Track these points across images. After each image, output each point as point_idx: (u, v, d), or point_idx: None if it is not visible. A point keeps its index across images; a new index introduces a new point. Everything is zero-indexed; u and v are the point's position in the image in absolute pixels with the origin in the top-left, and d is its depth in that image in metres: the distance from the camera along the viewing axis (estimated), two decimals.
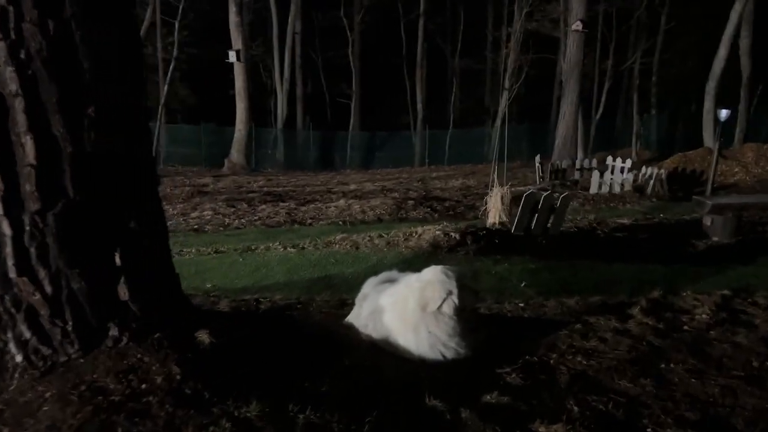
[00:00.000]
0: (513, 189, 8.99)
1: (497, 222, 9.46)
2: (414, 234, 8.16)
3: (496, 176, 10.01)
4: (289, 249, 7.93)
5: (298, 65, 36.35)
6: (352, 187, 17.54)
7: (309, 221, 11.40)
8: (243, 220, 11.28)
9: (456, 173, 22.86)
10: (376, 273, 7.13)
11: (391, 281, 5.03)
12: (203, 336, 3.76)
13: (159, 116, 25.61)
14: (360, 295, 5.12)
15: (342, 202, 13.47)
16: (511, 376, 4.12)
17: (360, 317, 4.82)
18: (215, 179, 19.08)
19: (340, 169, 31.53)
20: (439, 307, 4.30)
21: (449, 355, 4.38)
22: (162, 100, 25.04)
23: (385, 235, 8.19)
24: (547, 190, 16.16)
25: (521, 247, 7.95)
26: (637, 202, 14.13)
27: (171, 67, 23.60)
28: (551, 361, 4.32)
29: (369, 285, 5.13)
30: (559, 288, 6.59)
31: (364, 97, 38.59)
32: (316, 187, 17.41)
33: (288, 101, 34.75)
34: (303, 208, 12.69)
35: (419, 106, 37.16)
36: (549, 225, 8.21)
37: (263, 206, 12.79)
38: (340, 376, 3.76)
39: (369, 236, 8.17)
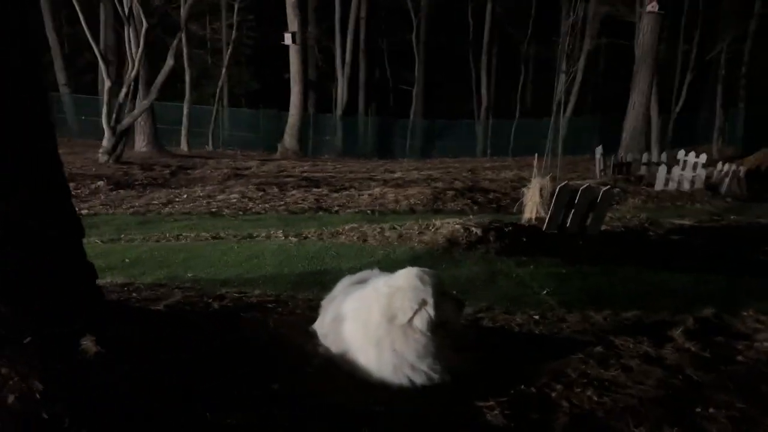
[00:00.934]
0: (570, 183, 7.85)
1: (534, 217, 8.41)
2: (430, 227, 7.26)
3: (536, 167, 8.90)
4: (290, 238, 7.21)
5: (362, 50, 35.65)
6: (397, 175, 16.71)
7: (336, 209, 10.67)
8: (266, 205, 10.68)
9: (513, 165, 21.61)
10: (380, 270, 6.37)
11: (368, 282, 4.17)
12: (88, 344, 3.05)
13: (217, 98, 25.60)
14: (328, 298, 4.34)
15: (377, 190, 12.67)
16: (493, 412, 3.32)
17: (323, 325, 4.05)
18: (261, 163, 18.70)
19: (398, 158, 30.71)
20: (410, 321, 3.43)
21: (418, 380, 3.55)
22: (220, 83, 24.96)
23: (399, 227, 7.33)
24: (607, 185, 14.82)
25: (552, 248, 6.90)
26: (708, 202, 12.60)
27: (229, 50, 23.42)
28: (553, 395, 3.48)
29: (341, 285, 4.37)
30: (587, 298, 5.61)
31: (428, 84, 37.55)
32: (359, 174, 16.69)
33: (349, 87, 34.13)
34: (334, 195, 11.98)
35: (484, 94, 35.77)
36: (588, 223, 7.10)
37: (294, 192, 12.17)
38: (256, 405, 2.98)
39: (380, 228, 7.33)
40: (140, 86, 17.27)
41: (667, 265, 6.83)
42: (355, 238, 7.08)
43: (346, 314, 3.82)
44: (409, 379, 3.55)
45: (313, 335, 3.96)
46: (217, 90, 26.25)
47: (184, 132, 24.88)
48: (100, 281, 5.60)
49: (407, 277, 3.68)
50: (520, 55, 37.61)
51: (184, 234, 7.67)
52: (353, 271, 6.09)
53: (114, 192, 11.79)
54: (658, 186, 13.87)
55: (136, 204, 10.48)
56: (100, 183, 12.30)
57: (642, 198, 12.66)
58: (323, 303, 4.18)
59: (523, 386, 3.65)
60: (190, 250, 6.87)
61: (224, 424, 2.72)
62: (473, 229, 6.99)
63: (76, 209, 9.89)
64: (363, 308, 3.75)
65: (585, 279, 6.22)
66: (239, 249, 6.84)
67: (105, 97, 15.69)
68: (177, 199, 11.13)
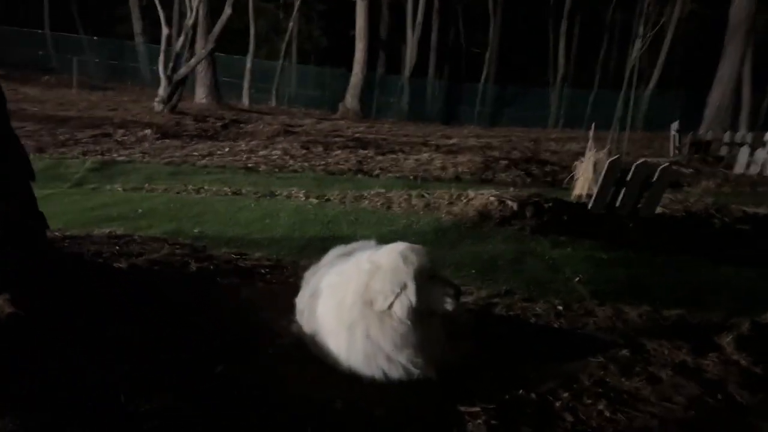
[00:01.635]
0: (646, 161, 6.89)
1: (584, 194, 7.61)
2: (462, 197, 6.63)
3: (593, 139, 8.03)
4: (311, 199, 6.76)
5: (435, 9, 34.40)
6: (453, 141, 15.96)
7: (377, 172, 10.15)
8: (306, 164, 10.28)
9: (582, 138, 20.33)
10: (398, 240, 5.85)
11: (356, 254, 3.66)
12: (1, 302, 2.70)
13: (282, 54, 25.30)
14: (312, 269, 3.86)
15: (426, 155, 12.05)
16: (476, 421, 2.84)
17: (302, 300, 3.59)
18: (316, 122, 18.34)
19: (464, 124, 29.67)
20: (390, 306, 2.97)
21: (394, 373, 3.12)
22: (286, 38, 24.61)
23: (427, 195, 6.74)
24: (681, 165, 13.57)
25: (596, 229, 6.16)
26: None
27: (297, 4, 22.96)
28: (556, 404, 3.04)
29: (329, 256, 3.89)
30: (626, 290, 4.94)
31: (502, 49, 35.98)
32: (413, 138, 16.05)
33: (419, 48, 33.09)
34: (379, 158, 11.45)
35: (561, 61, 33.94)
36: (640, 204, 6.27)
37: (338, 152, 11.72)
38: (180, 392, 2.57)
39: (408, 194, 6.76)
40: (200, 36, 17.13)
41: (729, 258, 5.96)
42: (378, 204, 6.55)
43: (322, 290, 3.35)
44: (383, 372, 3.08)
45: (293, 310, 3.52)
46: (283, 45, 25.90)
47: (246, 86, 24.78)
48: (102, 230, 5.40)
49: (390, 254, 3.16)
50: (603, 21, 35.32)
51: (206, 188, 7.37)
52: (368, 239, 5.62)
53: (159, 141, 11.69)
54: (738, 169, 12.55)
55: (176, 154, 10.30)
56: (147, 131, 12.24)
57: (717, 181, 11.44)
58: (306, 275, 3.72)
59: (521, 390, 3.13)
60: (206, 204, 6.55)
61: (125, 413, 2.31)
62: (509, 202, 6.32)
63: (117, 155, 9.70)
64: (340, 285, 3.27)
65: (627, 267, 5.49)
66: (255, 207, 6.45)
67: (163, 45, 15.61)
68: (218, 152, 10.90)
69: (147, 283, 3.42)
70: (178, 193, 7.17)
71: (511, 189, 7.43)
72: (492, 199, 6.40)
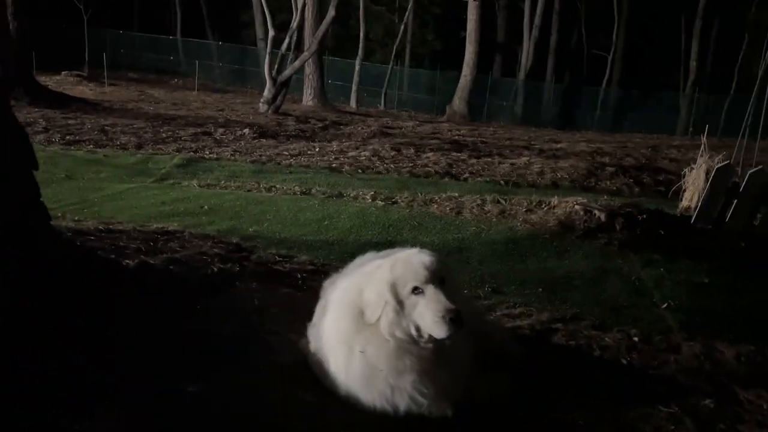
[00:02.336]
0: (763, 168, 5.83)
1: (693, 206, 6.60)
2: (543, 205, 5.94)
3: (705, 144, 6.98)
4: (377, 202, 6.36)
5: (555, 11, 32.89)
6: (560, 145, 14.92)
7: (466, 176, 9.59)
8: (392, 166, 9.92)
9: (712, 146, 18.36)
10: (462, 250, 5.31)
11: None
12: None
13: (393, 57, 25.22)
14: (331, 278, 3.48)
15: (524, 159, 11.28)
16: None
17: (317, 312, 3.21)
18: (418, 124, 17.95)
19: (581, 129, 28.02)
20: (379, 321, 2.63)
21: (400, 403, 2.75)
22: (397, 42, 24.49)
23: (504, 202, 6.11)
24: None
25: (699, 248, 5.24)
26: None
27: (410, 6, 22.77)
28: None
29: (354, 263, 3.46)
30: (725, 324, 4.16)
31: (626, 51, 33.74)
32: (516, 141, 15.20)
33: (535, 50, 31.77)
34: (472, 161, 10.85)
35: (693, 64, 31.18)
36: (757, 221, 5.26)
37: (429, 154, 11.24)
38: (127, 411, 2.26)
39: (482, 200, 6.17)
40: (307, 38, 17.35)
41: None
42: (448, 209, 6.03)
43: (330, 302, 2.95)
44: (387, 400, 2.61)
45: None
46: (394, 48, 25.81)
47: (354, 89, 24.93)
48: (153, 225, 5.32)
49: (388, 261, 2.70)
50: (744, 21, 32.00)
51: (278, 186, 7.20)
52: (427, 246, 5.13)
53: (255, 140, 11.83)
54: None
55: (267, 153, 10.33)
56: (246, 131, 12.45)
57: None
58: (325, 284, 3.32)
59: None
60: (271, 203, 6.36)
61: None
62: (596, 212, 5.56)
63: (208, 153, 9.80)
64: (345, 296, 2.85)
65: (732, 296, 4.61)
66: (318, 208, 6.16)
67: (268, 47, 15.93)
68: (308, 152, 10.82)
69: (146, 283, 3.16)
70: (249, 191, 7.05)
71: (604, 197, 6.59)
72: (577, 207, 5.67)
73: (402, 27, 26.38)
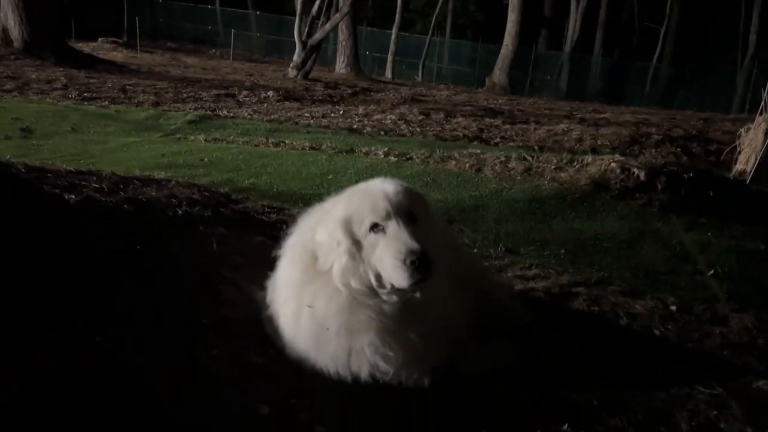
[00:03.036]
0: None
1: (748, 170, 5.81)
2: (576, 163, 5.27)
3: (765, 101, 6.14)
4: (390, 158, 5.80)
5: None
6: (604, 116, 13.99)
7: (497, 140, 8.93)
8: (418, 129, 9.31)
9: None
10: (479, 208, 4.73)
11: None
12: None
13: (432, 27, 24.32)
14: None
15: (562, 126, 10.51)
16: None
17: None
18: (453, 93, 17.20)
19: (629, 105, 26.68)
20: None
21: (362, 370, 2.21)
22: (436, 12, 23.61)
23: (530, 159, 5.45)
24: None
25: (753, 211, 4.51)
26: None
27: None
28: None
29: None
30: None
31: (681, 24, 31.92)
32: (557, 111, 14.33)
33: (583, 22, 30.34)
34: (506, 127, 10.15)
35: (753, 38, 29.24)
36: None
37: (460, 119, 10.58)
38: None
39: (505, 157, 5.53)
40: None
41: None
42: (467, 165, 5.42)
43: (285, 246, 2.43)
44: (343, 365, 2.11)
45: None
46: (433, 18, 24.90)
47: (389, 58, 24.19)
48: (136, 172, 4.87)
49: (345, 194, 2.17)
50: None
51: (287, 142, 6.70)
52: (438, 203, 4.56)
53: (279, 103, 11.36)
54: None
55: (287, 115, 9.84)
56: (270, 93, 12.00)
57: None
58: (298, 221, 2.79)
59: (566, 426, 1.98)
60: (275, 158, 5.87)
61: None
62: (635, 170, 4.88)
63: (228, 112, 9.24)
64: (299, 240, 2.34)
65: None
66: (326, 163, 5.64)
67: (298, 10, 15.38)
68: (331, 114, 10.29)
69: (84, 217, 2.69)
70: (255, 146, 6.59)
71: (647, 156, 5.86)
72: (613, 165, 4.99)
73: None
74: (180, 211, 3.27)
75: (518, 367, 2.43)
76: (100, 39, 21.80)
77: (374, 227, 2.02)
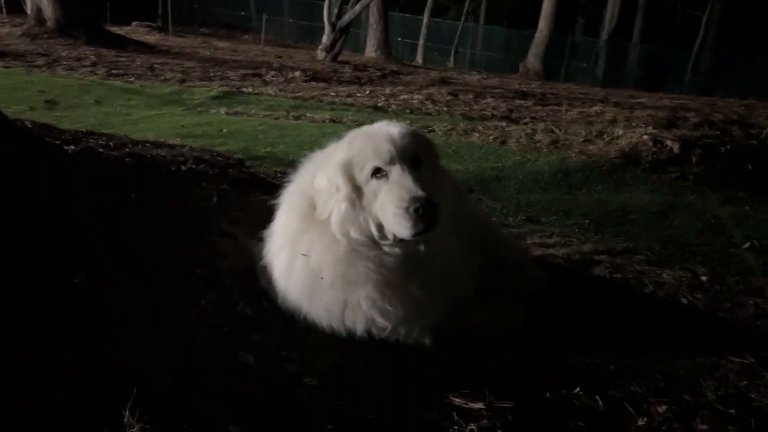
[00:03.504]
0: None
1: None
2: (606, 135, 5.02)
3: None
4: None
5: None
6: (641, 100, 13.53)
7: (526, 120, 8.61)
8: (445, 108, 9.08)
9: None
10: (501, 179, 4.54)
11: None
12: None
13: (465, 13, 23.90)
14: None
15: (595, 108, 10.15)
16: (470, 426, 1.79)
17: None
18: (485, 77, 16.86)
19: (668, 94, 25.88)
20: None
21: (357, 324, 2.08)
22: None
23: (558, 132, 5.21)
24: None
25: None
26: None
27: None
28: (639, 423, 1.87)
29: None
30: None
31: (725, 10, 30.79)
32: (591, 96, 13.90)
33: (621, 7, 29.47)
34: (536, 108, 9.85)
35: None
36: None
37: (489, 100, 10.32)
38: None
39: (532, 129, 5.31)
40: None
41: None
42: (491, 138, 5.21)
43: (283, 194, 2.30)
44: (336, 318, 1.96)
45: None
46: (466, 3, 24.48)
47: (420, 42, 23.87)
48: (165, 141, 4.81)
49: (347, 137, 2.02)
50: None
51: (307, 115, 6.58)
52: (459, 173, 4.39)
53: (306, 83, 11.24)
54: None
55: (313, 94, 9.71)
56: (297, 73, 11.89)
57: None
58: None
59: (578, 389, 1.81)
60: (294, 129, 5.77)
61: None
62: (668, 142, 4.62)
63: (254, 89, 9.09)
64: (297, 187, 2.20)
65: None
66: (343, 133, 5.48)
67: None
68: (357, 94, 10.13)
69: (84, 166, 2.59)
70: (276, 119, 6.47)
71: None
72: (645, 137, 4.74)
73: None
74: (184, 168, 3.16)
75: (530, 330, 2.26)
76: (134, 23, 21.98)
77: (376, 172, 1.87)
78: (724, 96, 26.48)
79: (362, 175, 1.89)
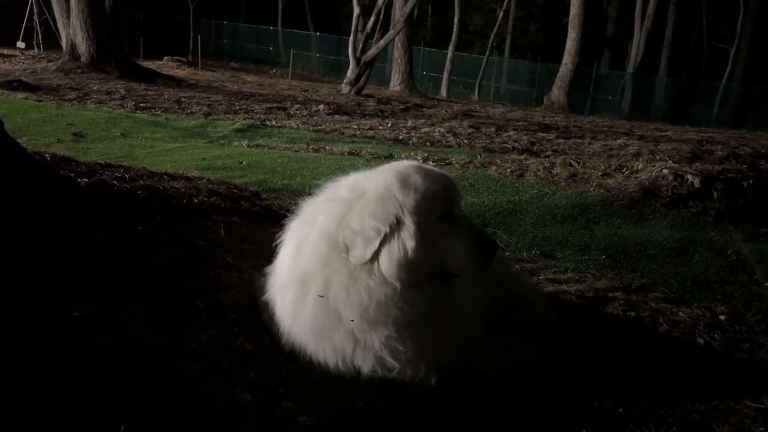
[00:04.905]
0: None
1: None
2: (625, 169, 4.95)
3: None
4: (428, 163, 5.60)
5: (672, 0, 30.36)
6: (666, 134, 13.38)
7: (547, 153, 8.58)
8: (466, 141, 9.09)
9: None
10: (516, 213, 4.50)
11: None
12: None
13: (489, 47, 24.07)
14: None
15: (619, 141, 10.08)
16: None
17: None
18: (507, 111, 16.86)
19: (695, 126, 25.57)
20: (374, 257, 1.90)
21: (364, 364, 2.02)
22: (494, 31, 23.39)
23: (576, 164, 5.16)
24: None
25: None
26: None
27: None
28: None
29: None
30: None
31: (753, 43, 30.54)
32: (616, 129, 13.80)
33: (647, 41, 29.47)
34: (559, 141, 9.80)
35: None
36: None
37: (511, 132, 10.30)
38: None
39: (550, 163, 5.26)
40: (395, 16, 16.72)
41: None
42: (508, 171, 5.18)
43: (287, 230, 2.29)
44: (344, 358, 1.92)
45: None
46: (491, 37, 24.70)
47: (445, 76, 24.07)
48: (183, 173, 4.88)
49: (381, 176, 1.99)
50: None
51: (327, 148, 6.63)
52: (475, 207, 4.36)
53: (329, 116, 11.36)
54: None
55: (334, 126, 9.81)
56: (321, 107, 12.03)
57: None
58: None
59: None
60: (313, 161, 5.81)
61: None
62: (688, 176, 4.53)
63: (277, 122, 9.28)
64: (305, 223, 2.18)
65: None
66: (362, 166, 5.48)
67: (353, 26, 15.49)
68: (379, 126, 10.21)
69: (94, 199, 2.63)
70: (296, 151, 6.54)
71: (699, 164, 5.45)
72: (665, 171, 4.66)
73: (500, 14, 25.16)
74: (196, 200, 3.19)
75: (537, 369, 2.20)
76: (165, 58, 22.63)
77: (443, 216, 1.89)
78: (752, 129, 26.12)
79: (429, 218, 1.87)
